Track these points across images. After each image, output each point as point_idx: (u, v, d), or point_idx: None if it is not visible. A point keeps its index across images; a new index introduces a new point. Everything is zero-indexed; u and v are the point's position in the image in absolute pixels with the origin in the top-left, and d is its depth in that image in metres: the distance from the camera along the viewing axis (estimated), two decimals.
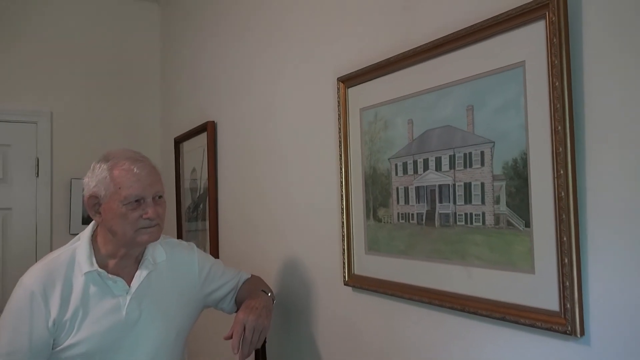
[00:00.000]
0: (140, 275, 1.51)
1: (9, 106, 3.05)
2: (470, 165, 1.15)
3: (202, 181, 2.65)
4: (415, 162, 1.30)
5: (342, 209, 1.56)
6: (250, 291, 1.70)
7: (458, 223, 1.19)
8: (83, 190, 1.50)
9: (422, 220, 1.29)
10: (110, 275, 1.47)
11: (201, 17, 2.77)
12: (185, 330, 1.63)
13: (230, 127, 2.42)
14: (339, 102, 1.57)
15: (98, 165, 1.47)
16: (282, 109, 1.96)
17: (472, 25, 1.13)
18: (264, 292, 1.68)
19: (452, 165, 1.20)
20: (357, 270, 1.53)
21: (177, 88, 3.14)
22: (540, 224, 1.01)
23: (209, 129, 2.54)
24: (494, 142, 1.10)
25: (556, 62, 0.96)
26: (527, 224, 1.03)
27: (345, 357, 1.61)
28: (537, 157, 1.01)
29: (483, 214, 1.13)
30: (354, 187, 1.53)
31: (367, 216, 1.48)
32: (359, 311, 1.55)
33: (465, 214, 1.17)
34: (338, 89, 1.57)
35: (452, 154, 1.20)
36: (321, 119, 1.70)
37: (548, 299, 0.99)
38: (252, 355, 1.65)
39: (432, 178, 1.25)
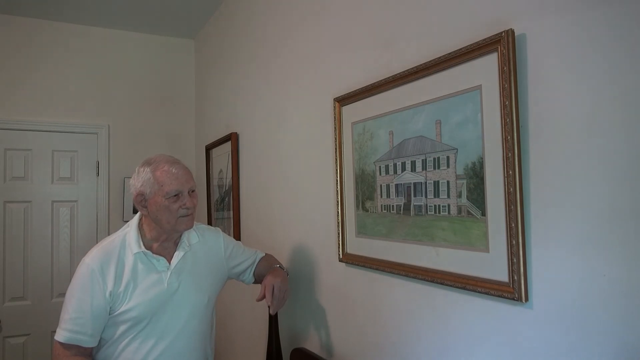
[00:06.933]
0: (178, 255, 1.50)
1: (76, 121, 3.04)
2: (439, 167, 1.15)
3: (227, 180, 2.63)
4: (395, 165, 1.30)
5: (338, 201, 1.55)
6: (268, 267, 1.69)
7: (428, 212, 1.18)
8: (130, 189, 1.49)
9: (400, 210, 1.28)
10: (154, 255, 1.46)
11: (226, 52, 2.75)
12: (214, 296, 1.62)
13: (249, 138, 2.41)
14: (335, 117, 1.56)
15: (142, 169, 1.45)
16: (290, 123, 1.95)
17: (439, 57, 1.12)
18: (280, 267, 1.68)
19: (424, 167, 1.19)
20: (349, 249, 1.52)
21: (208, 106, 3.12)
22: (493, 213, 1.00)
23: (232, 139, 2.53)
24: (457, 149, 1.09)
25: (506, 85, 0.95)
26: (483, 213, 1.03)
27: (339, 317, 1.61)
28: (491, 161, 1.00)
29: (448, 205, 1.12)
30: (347, 184, 1.52)
31: (357, 207, 1.47)
32: (350, 282, 1.55)
33: (435, 205, 1.16)
34: (334, 107, 1.56)
35: (424, 158, 1.19)
36: (321, 131, 1.70)
37: (499, 272, 0.99)
38: (267, 315, 1.65)
39: (408, 177, 1.25)
